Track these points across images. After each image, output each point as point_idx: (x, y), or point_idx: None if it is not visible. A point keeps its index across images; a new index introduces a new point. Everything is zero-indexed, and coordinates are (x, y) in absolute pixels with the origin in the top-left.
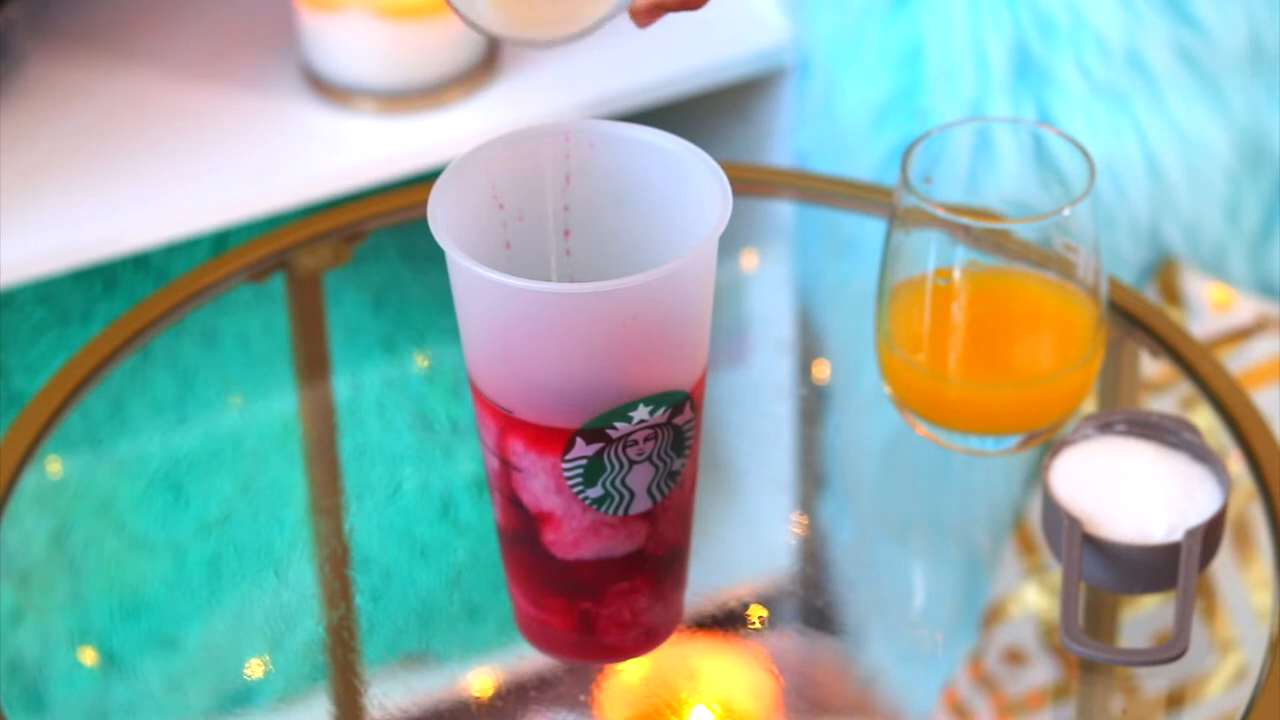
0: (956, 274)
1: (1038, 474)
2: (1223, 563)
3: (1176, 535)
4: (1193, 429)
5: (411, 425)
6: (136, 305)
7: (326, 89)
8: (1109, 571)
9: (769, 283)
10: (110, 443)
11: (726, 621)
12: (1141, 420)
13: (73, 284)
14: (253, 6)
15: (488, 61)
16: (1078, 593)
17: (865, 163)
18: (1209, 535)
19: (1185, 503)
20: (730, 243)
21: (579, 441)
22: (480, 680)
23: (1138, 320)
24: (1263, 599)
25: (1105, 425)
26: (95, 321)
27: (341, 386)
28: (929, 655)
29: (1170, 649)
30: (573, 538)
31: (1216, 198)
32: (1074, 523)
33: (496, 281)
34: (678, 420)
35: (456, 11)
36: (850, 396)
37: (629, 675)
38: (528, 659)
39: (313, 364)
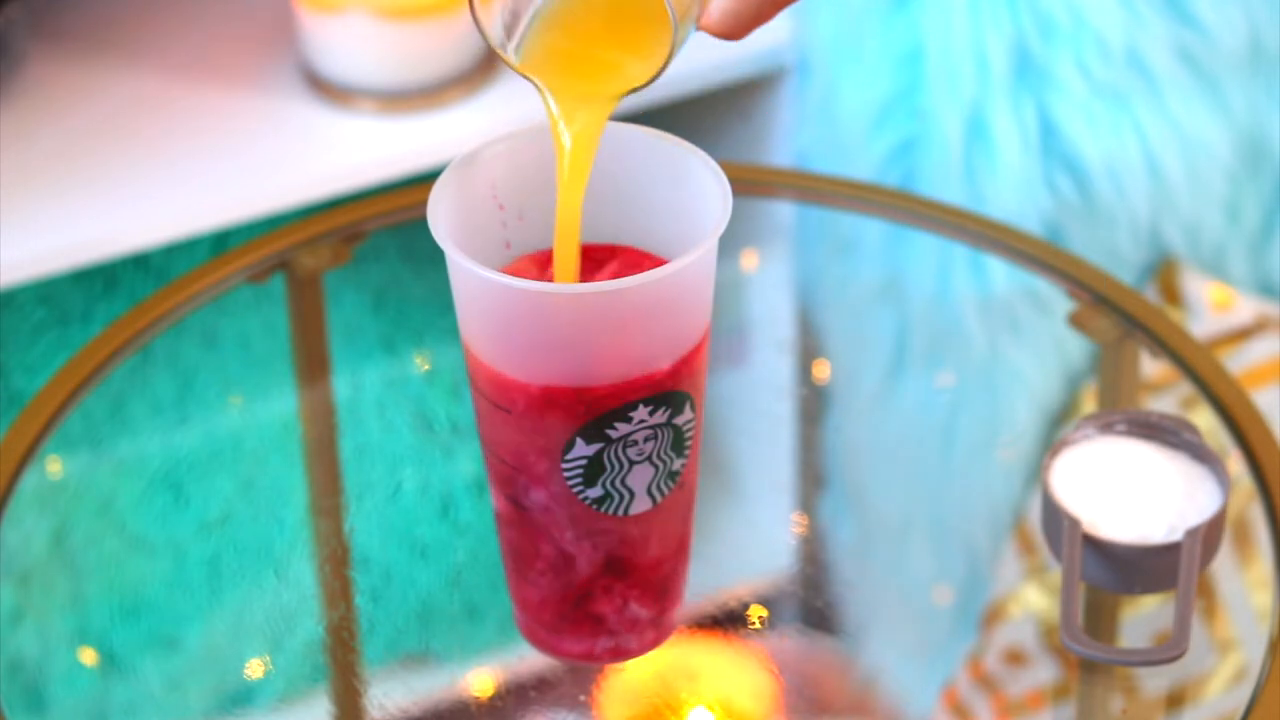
0: None
1: (1038, 474)
2: (1223, 563)
3: (1176, 535)
4: (1193, 429)
5: (411, 425)
6: (136, 305)
7: (326, 89)
8: (1109, 571)
9: (769, 283)
10: (110, 443)
11: (726, 621)
12: (1141, 420)
13: (73, 284)
14: (253, 6)
15: (488, 61)
16: (1078, 593)
17: (865, 163)
18: (1209, 535)
19: (1185, 503)
20: (730, 243)
21: (579, 441)
22: (480, 680)
23: (1138, 320)
24: (1263, 599)
25: (1105, 425)
26: (95, 321)
27: (341, 386)
28: (929, 655)
29: (1170, 649)
30: (573, 538)
31: (1216, 198)
32: (1074, 523)
33: (496, 281)
34: (678, 420)
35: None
36: (850, 396)
37: (629, 675)
38: (528, 659)
39: (313, 364)
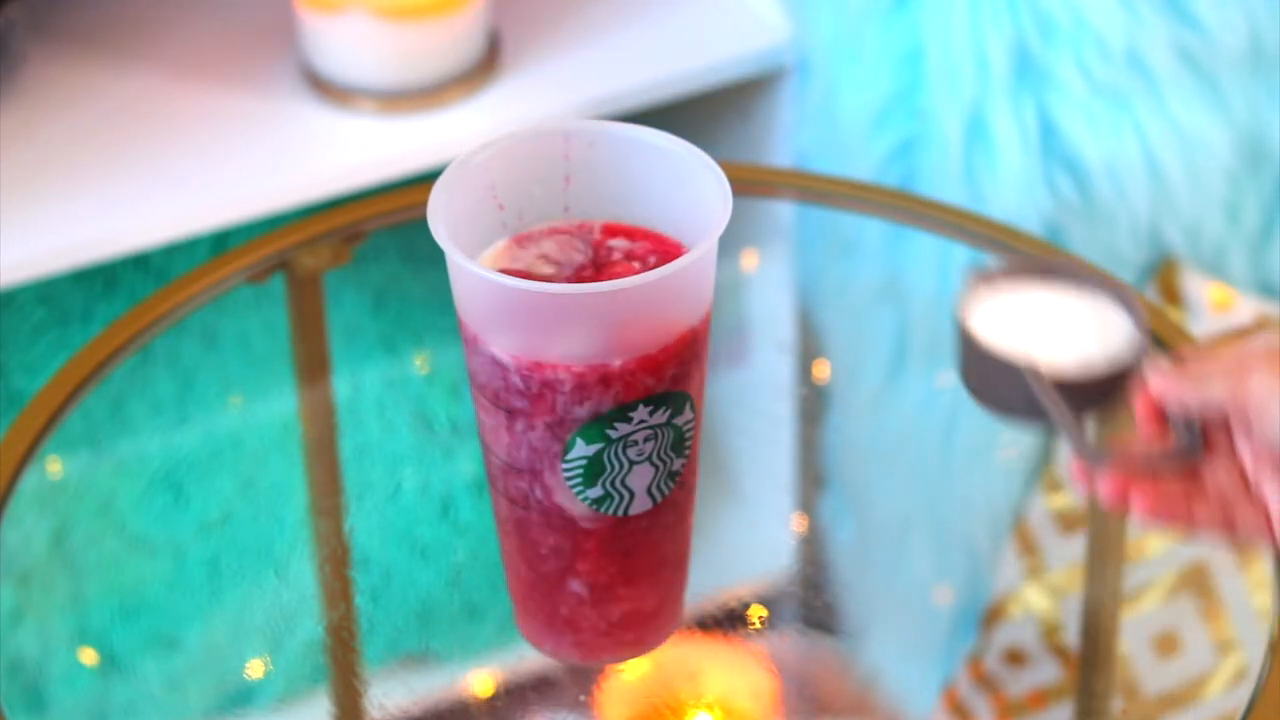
0: None
1: (1037, 472)
2: (1223, 562)
3: (1118, 357)
4: (1088, 266)
5: (411, 425)
6: (136, 305)
7: (326, 89)
8: (1071, 403)
9: (769, 283)
10: (110, 443)
11: (726, 621)
12: (1042, 265)
13: (73, 284)
14: (253, 6)
15: (488, 61)
16: (1074, 418)
17: (865, 163)
18: (1140, 354)
19: (1108, 327)
20: (730, 243)
21: (579, 441)
22: (480, 680)
23: None
24: (1263, 599)
25: (1007, 275)
26: (95, 321)
27: (341, 386)
28: (929, 655)
29: (1186, 450)
30: (573, 538)
31: (1216, 198)
32: (1031, 367)
33: (496, 282)
34: (678, 420)
35: None
36: (850, 396)
37: (629, 675)
38: (528, 659)
39: (313, 364)
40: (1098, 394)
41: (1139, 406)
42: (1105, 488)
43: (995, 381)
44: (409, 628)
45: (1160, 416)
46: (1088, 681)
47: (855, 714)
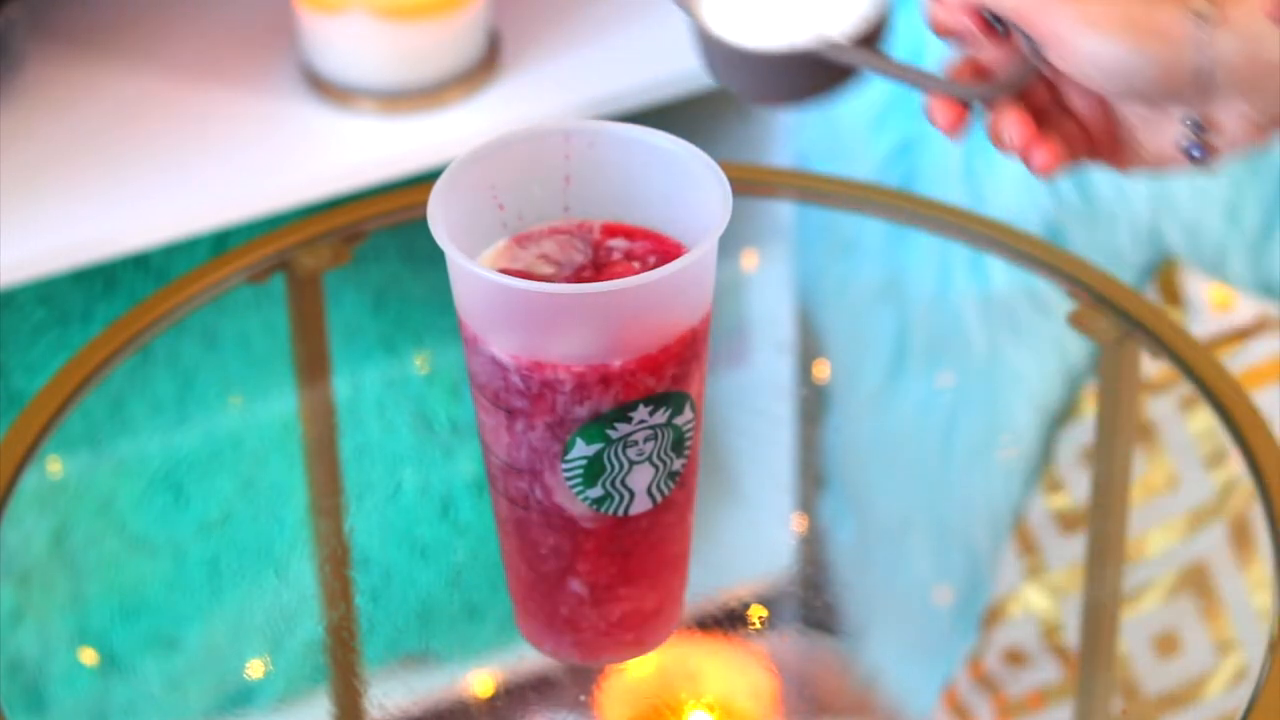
0: None
1: (1039, 467)
2: (1223, 562)
3: (877, 3)
4: None
5: (411, 425)
6: (136, 305)
7: (326, 89)
8: (889, 61)
9: (769, 283)
10: (110, 443)
11: (726, 621)
12: None
13: (73, 284)
14: (253, 7)
15: (488, 61)
16: (912, 68)
17: (865, 163)
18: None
19: None
20: (730, 243)
21: (579, 441)
22: (480, 680)
23: (1138, 320)
24: (1263, 599)
25: None
26: (95, 321)
27: (341, 386)
28: (929, 655)
29: (1030, 59)
30: (573, 538)
31: (1216, 198)
32: (829, 42)
33: (496, 282)
34: (678, 420)
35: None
36: (850, 396)
37: (629, 675)
38: (528, 659)
39: (313, 364)
40: (876, 49)
41: (944, 25)
42: (1012, 131)
43: (770, 73)
44: (409, 628)
45: (989, 30)
46: (1088, 681)
47: (855, 714)
